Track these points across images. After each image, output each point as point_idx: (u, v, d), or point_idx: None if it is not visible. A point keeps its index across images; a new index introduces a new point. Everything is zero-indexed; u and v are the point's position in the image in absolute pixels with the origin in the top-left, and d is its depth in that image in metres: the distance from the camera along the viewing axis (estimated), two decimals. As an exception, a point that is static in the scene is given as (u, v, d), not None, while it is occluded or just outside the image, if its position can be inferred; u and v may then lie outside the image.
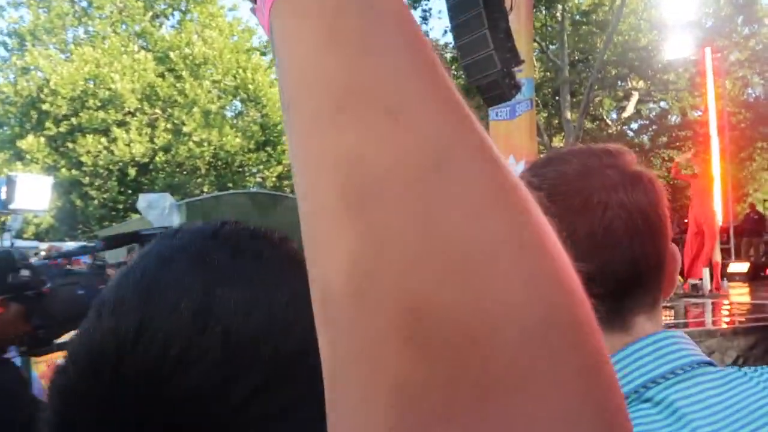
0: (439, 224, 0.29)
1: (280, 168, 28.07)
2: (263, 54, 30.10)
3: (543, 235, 0.30)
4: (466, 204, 0.29)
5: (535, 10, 17.07)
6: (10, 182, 12.29)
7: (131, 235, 4.37)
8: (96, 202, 26.35)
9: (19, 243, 15.16)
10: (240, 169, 27.86)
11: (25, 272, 2.80)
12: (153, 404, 0.53)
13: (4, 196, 12.16)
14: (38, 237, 24.80)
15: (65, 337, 2.92)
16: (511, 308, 0.28)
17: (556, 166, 0.99)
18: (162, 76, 27.24)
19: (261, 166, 27.97)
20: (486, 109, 11.30)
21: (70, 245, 16.22)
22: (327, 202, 0.31)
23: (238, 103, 29.20)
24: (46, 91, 26.17)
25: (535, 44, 16.75)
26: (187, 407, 0.53)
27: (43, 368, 5.55)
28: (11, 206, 12.42)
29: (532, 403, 0.26)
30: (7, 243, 13.04)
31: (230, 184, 26.76)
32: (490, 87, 9.61)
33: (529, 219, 0.30)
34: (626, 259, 0.94)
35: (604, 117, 22.65)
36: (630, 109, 20.68)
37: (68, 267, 3.08)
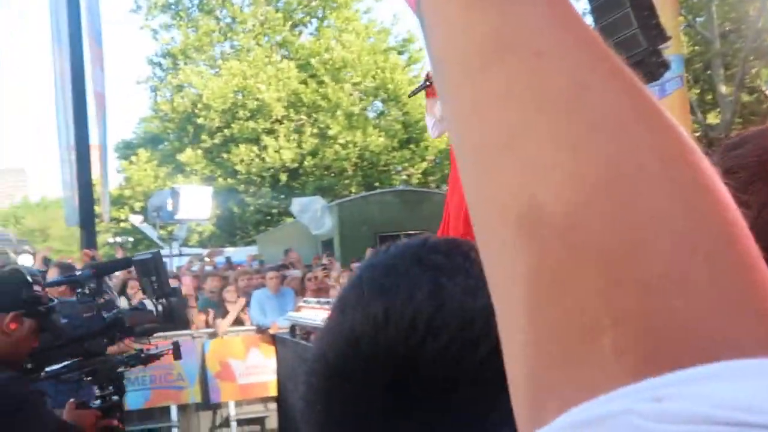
0: (586, 145, 0.32)
1: (424, 164, 28.24)
2: (400, 53, 30.35)
3: (684, 148, 0.32)
4: (610, 124, 0.32)
5: (679, -17, 16.30)
6: (174, 194, 13.09)
7: (123, 261, 4.52)
8: (252, 208, 27.49)
9: (186, 250, 16.08)
10: (386, 168, 28.22)
11: (36, 288, 2.80)
12: (409, 365, 0.64)
13: (170, 208, 12.98)
14: (202, 244, 26.19)
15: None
16: (661, 220, 0.30)
17: (754, 146, 0.93)
18: (305, 82, 28.04)
19: (406, 164, 28.21)
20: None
21: (230, 251, 17.04)
22: (490, 138, 0.34)
23: (379, 104, 29.59)
24: (199, 105, 27.61)
25: (681, 18, 15.96)
26: (439, 364, 0.64)
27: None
28: (177, 216, 13.22)
29: (693, 303, 0.28)
30: (175, 251, 13.88)
31: (377, 183, 27.19)
32: (636, 67, 9.02)
33: (670, 134, 0.33)
34: None
35: (762, 88, 21.27)
36: (791, 77, 19.32)
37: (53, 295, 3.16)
